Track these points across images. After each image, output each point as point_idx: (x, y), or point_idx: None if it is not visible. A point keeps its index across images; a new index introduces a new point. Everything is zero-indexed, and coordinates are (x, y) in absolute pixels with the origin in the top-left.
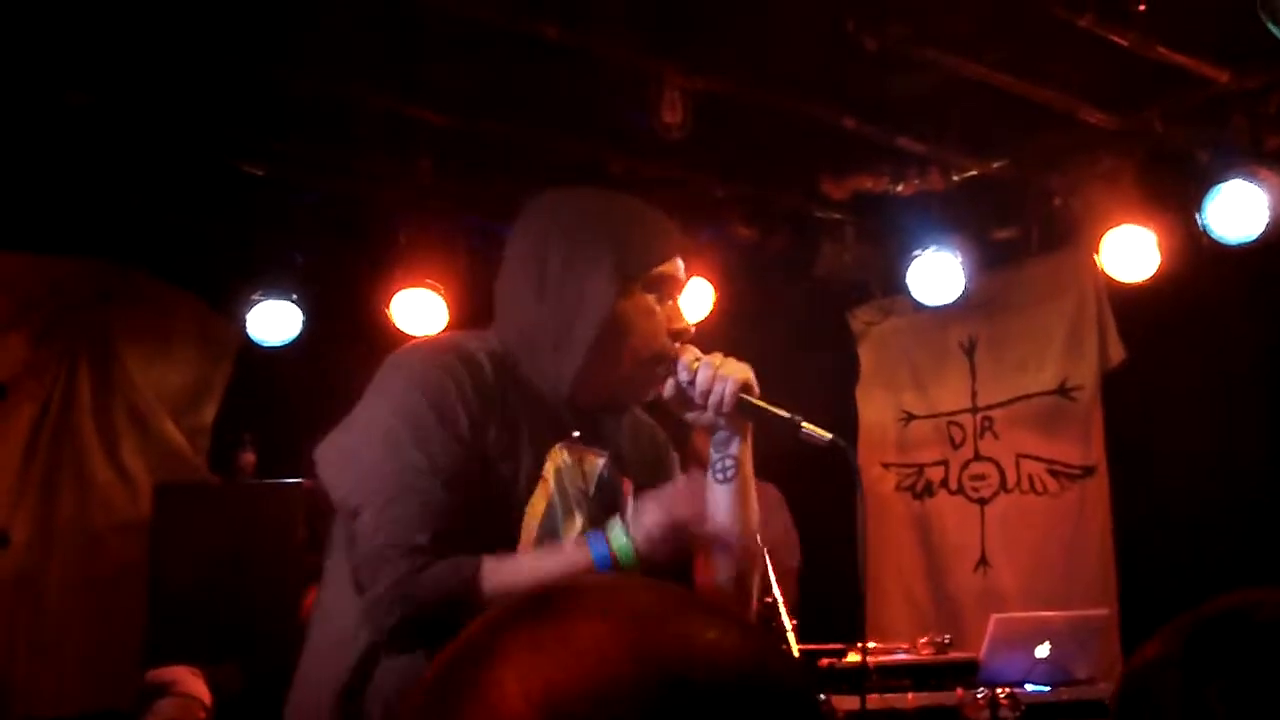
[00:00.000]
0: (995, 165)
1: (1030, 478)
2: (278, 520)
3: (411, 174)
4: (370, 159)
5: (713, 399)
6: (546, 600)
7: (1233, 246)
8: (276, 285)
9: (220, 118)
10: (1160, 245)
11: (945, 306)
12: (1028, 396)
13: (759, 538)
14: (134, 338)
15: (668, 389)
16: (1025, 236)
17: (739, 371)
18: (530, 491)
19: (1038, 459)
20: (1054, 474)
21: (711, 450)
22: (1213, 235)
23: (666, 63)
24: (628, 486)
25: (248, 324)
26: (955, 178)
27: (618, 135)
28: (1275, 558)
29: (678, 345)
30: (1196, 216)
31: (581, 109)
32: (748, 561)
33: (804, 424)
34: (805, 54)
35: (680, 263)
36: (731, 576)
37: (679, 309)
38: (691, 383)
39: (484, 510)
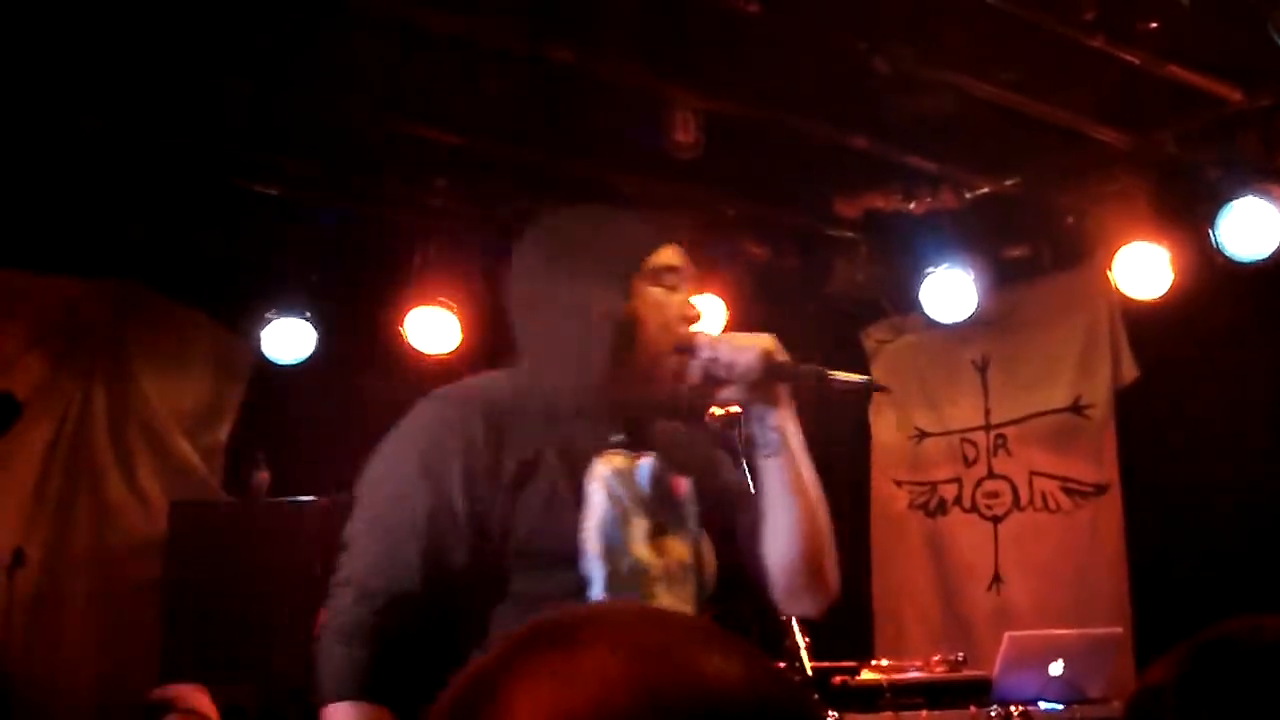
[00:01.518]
0: (1008, 183)
1: (1044, 495)
2: (292, 539)
3: (426, 194)
4: (384, 179)
5: (739, 369)
6: (559, 628)
7: (1246, 264)
8: (290, 304)
9: (235, 139)
10: (1173, 263)
11: (958, 324)
12: (1041, 414)
13: None
14: (149, 357)
15: (693, 373)
16: (1037, 254)
17: (759, 340)
18: (579, 509)
19: (1051, 476)
20: (1067, 491)
21: (754, 430)
22: (1226, 253)
23: (678, 83)
24: (682, 485)
25: (262, 343)
26: (968, 196)
27: (630, 155)
28: None
29: (692, 331)
30: (1210, 234)
31: (594, 129)
32: (814, 538)
33: (830, 373)
34: (817, 74)
35: (676, 249)
36: (799, 554)
37: (687, 296)
38: (715, 359)
39: (527, 540)
